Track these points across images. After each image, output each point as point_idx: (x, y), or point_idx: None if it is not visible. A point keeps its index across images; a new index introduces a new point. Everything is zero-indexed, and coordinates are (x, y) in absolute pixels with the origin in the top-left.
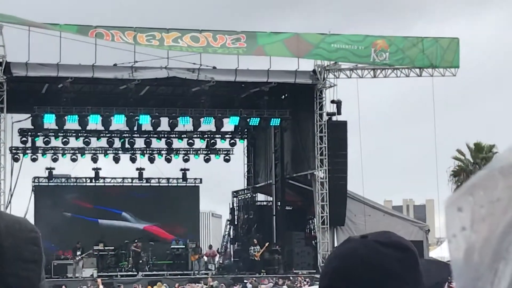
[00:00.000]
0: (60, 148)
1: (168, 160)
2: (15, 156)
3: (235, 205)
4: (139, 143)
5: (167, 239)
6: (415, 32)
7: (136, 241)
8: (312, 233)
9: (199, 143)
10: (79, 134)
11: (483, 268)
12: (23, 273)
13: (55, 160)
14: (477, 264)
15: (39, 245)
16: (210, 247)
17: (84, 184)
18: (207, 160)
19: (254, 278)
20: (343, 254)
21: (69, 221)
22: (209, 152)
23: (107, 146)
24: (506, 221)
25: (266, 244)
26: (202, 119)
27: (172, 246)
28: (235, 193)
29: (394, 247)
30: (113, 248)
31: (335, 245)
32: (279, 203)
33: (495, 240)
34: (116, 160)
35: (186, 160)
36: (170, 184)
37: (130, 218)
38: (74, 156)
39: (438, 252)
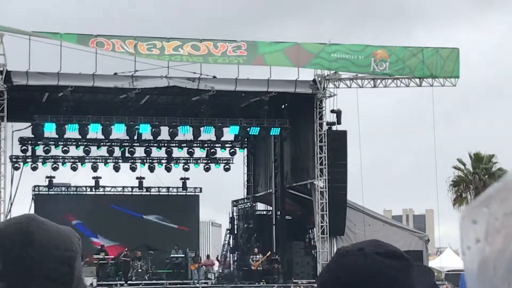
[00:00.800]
0: (60, 157)
1: (168, 169)
2: (15, 165)
3: (235, 214)
4: (139, 152)
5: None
6: (418, 41)
7: (126, 251)
8: (312, 243)
9: (199, 152)
10: (79, 143)
11: (497, 280)
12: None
13: (55, 168)
14: (491, 276)
15: (72, 265)
16: (208, 256)
17: (84, 192)
18: (207, 169)
19: None
20: (344, 266)
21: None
22: (209, 161)
23: (107, 155)
24: None
25: (268, 253)
26: (202, 128)
27: (171, 255)
28: (235, 202)
29: (392, 257)
30: (112, 257)
31: None
32: (278, 213)
33: (510, 252)
34: (116, 169)
35: (186, 169)
36: (170, 193)
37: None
38: (74, 165)
39: (438, 262)
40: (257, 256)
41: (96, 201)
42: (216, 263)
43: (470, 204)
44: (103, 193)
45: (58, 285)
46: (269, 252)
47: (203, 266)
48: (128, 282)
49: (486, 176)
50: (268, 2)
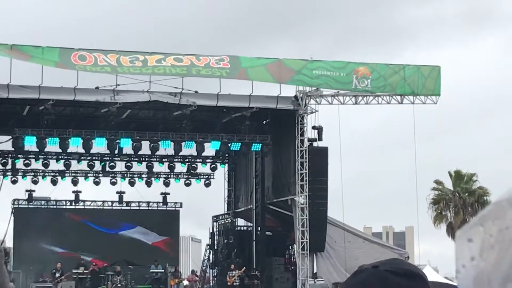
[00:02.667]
0: (40, 171)
1: (149, 184)
2: None
3: (215, 229)
4: (120, 166)
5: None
6: (405, 60)
7: (93, 265)
8: (292, 259)
9: (180, 167)
10: (60, 157)
11: None
12: None
13: (35, 182)
14: None
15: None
16: (193, 272)
17: (64, 206)
18: (187, 184)
19: None
20: (357, 283)
21: (49, 244)
22: (189, 176)
23: (88, 169)
24: None
25: (243, 269)
26: (183, 143)
27: (151, 270)
28: (215, 218)
29: (405, 275)
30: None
31: (315, 271)
32: (259, 228)
33: (504, 265)
34: (97, 183)
35: (166, 184)
36: (150, 208)
37: None
38: (54, 179)
39: None
40: (234, 272)
41: (75, 215)
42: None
43: (466, 225)
44: (83, 207)
45: None
46: (244, 267)
47: (184, 281)
48: None
49: (466, 194)
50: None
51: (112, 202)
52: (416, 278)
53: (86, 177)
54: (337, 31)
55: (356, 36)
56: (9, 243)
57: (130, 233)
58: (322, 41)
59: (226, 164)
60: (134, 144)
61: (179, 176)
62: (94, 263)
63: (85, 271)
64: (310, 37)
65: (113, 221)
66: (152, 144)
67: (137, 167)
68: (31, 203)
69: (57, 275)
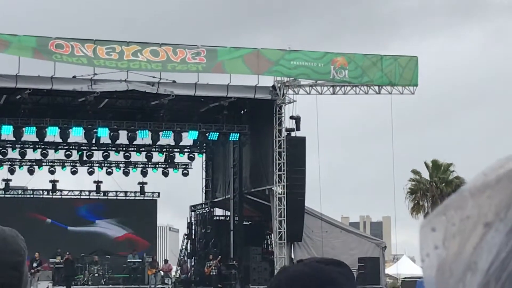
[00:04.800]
0: (17, 160)
1: (126, 174)
2: None
3: (192, 219)
4: (97, 155)
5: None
6: (389, 49)
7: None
8: (270, 249)
9: (157, 157)
10: (37, 146)
11: (452, 281)
12: (11, 280)
13: (12, 171)
14: (448, 278)
15: (20, 270)
16: (166, 261)
17: (41, 196)
18: (165, 174)
19: None
20: (286, 277)
21: (28, 233)
22: (167, 166)
23: (65, 158)
24: (475, 236)
25: (218, 258)
26: (161, 133)
27: (128, 260)
28: (193, 208)
29: (333, 263)
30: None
31: (294, 260)
32: (236, 218)
33: (465, 255)
34: (74, 172)
35: (144, 174)
36: (127, 198)
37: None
38: (31, 168)
39: (394, 269)
40: (211, 262)
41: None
42: (174, 268)
43: (430, 214)
44: (60, 196)
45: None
46: (219, 257)
47: (161, 271)
48: (85, 286)
49: (443, 184)
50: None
51: (90, 191)
52: (343, 265)
53: (63, 167)
54: (320, 22)
55: (339, 27)
56: None
57: (104, 226)
58: (304, 32)
59: (204, 154)
60: (112, 133)
61: (157, 165)
62: (68, 252)
63: (61, 260)
64: (292, 28)
65: (91, 210)
66: (129, 134)
67: (114, 156)
68: (8, 193)
69: (35, 265)
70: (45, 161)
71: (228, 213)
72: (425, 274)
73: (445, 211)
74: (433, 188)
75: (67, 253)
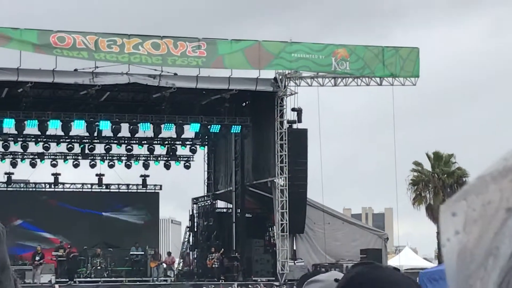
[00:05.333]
0: (19, 153)
1: (128, 166)
2: None
3: (195, 212)
4: (99, 148)
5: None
6: (390, 40)
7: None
8: (272, 241)
9: (159, 150)
10: (39, 139)
11: (474, 266)
12: None
13: (14, 165)
14: (469, 263)
15: None
16: (169, 254)
17: (43, 189)
18: (167, 167)
19: (213, 285)
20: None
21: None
22: (169, 158)
23: (67, 151)
24: (497, 220)
25: (221, 251)
26: (162, 126)
27: (131, 252)
28: (195, 200)
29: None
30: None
31: (295, 252)
32: (239, 210)
33: (487, 240)
34: (76, 165)
35: (146, 166)
36: (130, 190)
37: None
38: (33, 161)
39: (396, 261)
40: (213, 254)
41: (54, 198)
42: (177, 261)
43: (450, 198)
44: (62, 189)
45: None
46: (222, 250)
47: (163, 264)
48: (87, 278)
49: (445, 175)
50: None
51: (92, 184)
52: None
53: (65, 160)
54: (322, 13)
55: (341, 18)
56: None
57: (111, 215)
58: (306, 24)
59: (206, 146)
60: (113, 126)
61: (159, 158)
62: (69, 246)
63: (64, 253)
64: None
65: (93, 203)
66: (131, 127)
67: (116, 149)
68: (10, 186)
69: (37, 258)
70: (47, 154)
71: (230, 206)
72: (446, 259)
73: (465, 196)
74: (435, 179)
75: (69, 246)
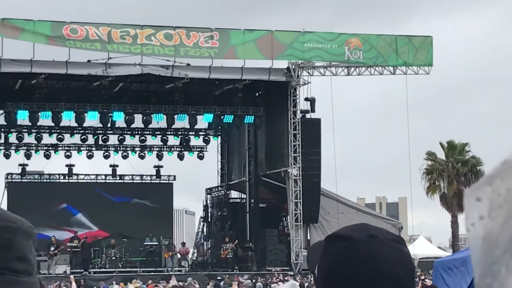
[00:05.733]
0: (33, 145)
1: (142, 157)
2: None
3: (208, 202)
4: (113, 139)
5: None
6: (405, 29)
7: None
8: (286, 231)
9: (172, 140)
10: (53, 131)
11: (499, 252)
12: None
13: (28, 156)
14: (494, 249)
15: (13, 234)
16: (183, 244)
17: (58, 180)
18: (180, 157)
19: (227, 275)
20: (371, 257)
21: (44, 217)
22: (182, 149)
23: (81, 142)
24: None
25: (235, 242)
26: (176, 116)
27: (145, 243)
28: (208, 190)
29: (400, 242)
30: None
31: (310, 242)
32: (252, 201)
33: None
34: (90, 156)
35: (159, 157)
36: (143, 181)
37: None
38: (47, 153)
39: (411, 250)
40: (227, 245)
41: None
42: (191, 251)
43: (474, 184)
44: (76, 181)
45: None
46: (236, 241)
47: (178, 254)
48: (102, 269)
49: (459, 164)
50: None
51: (106, 175)
52: (404, 244)
53: (79, 151)
54: (335, 2)
55: (354, 7)
56: None
57: (124, 205)
58: (319, 13)
59: (219, 137)
60: (127, 117)
61: (172, 149)
62: (85, 236)
63: (79, 244)
64: (307, 9)
65: (108, 194)
66: (144, 117)
67: (130, 140)
68: (24, 178)
69: (52, 248)
70: (61, 145)
71: (244, 196)
72: (470, 244)
73: (490, 181)
74: (449, 168)
75: (85, 237)
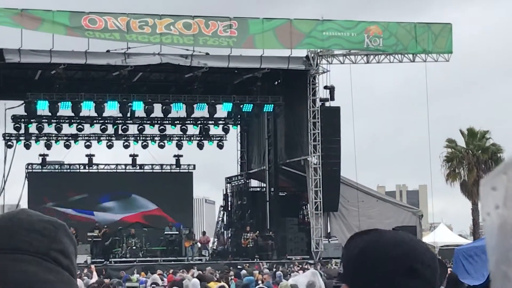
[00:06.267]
0: (53, 135)
1: (162, 147)
2: (9, 143)
3: (228, 191)
4: (132, 129)
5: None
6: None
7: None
8: (306, 219)
9: (192, 130)
10: (72, 121)
11: None
12: (32, 241)
13: (48, 146)
14: (509, 238)
15: (57, 228)
16: (204, 233)
17: (78, 170)
18: (200, 146)
19: (248, 264)
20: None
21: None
22: (202, 138)
23: (100, 132)
24: None
25: (257, 232)
26: (195, 105)
27: (165, 232)
28: (228, 179)
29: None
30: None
31: (329, 230)
32: (272, 189)
33: None
34: (110, 146)
35: (179, 146)
36: (163, 171)
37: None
38: (67, 143)
39: (431, 238)
40: (248, 234)
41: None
42: (211, 240)
43: (490, 173)
44: (96, 170)
45: (39, 234)
46: (257, 231)
47: (198, 243)
48: (123, 258)
49: (480, 151)
50: None
51: (125, 165)
52: None
53: (99, 141)
54: None
55: None
56: (24, 207)
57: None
58: (339, 1)
59: (239, 126)
60: (146, 107)
61: (192, 138)
62: (105, 226)
63: (99, 234)
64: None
65: (128, 183)
66: (164, 107)
67: (149, 130)
68: (44, 168)
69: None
70: (81, 135)
71: (263, 184)
72: (486, 232)
73: (505, 170)
74: (469, 156)
75: (105, 226)
